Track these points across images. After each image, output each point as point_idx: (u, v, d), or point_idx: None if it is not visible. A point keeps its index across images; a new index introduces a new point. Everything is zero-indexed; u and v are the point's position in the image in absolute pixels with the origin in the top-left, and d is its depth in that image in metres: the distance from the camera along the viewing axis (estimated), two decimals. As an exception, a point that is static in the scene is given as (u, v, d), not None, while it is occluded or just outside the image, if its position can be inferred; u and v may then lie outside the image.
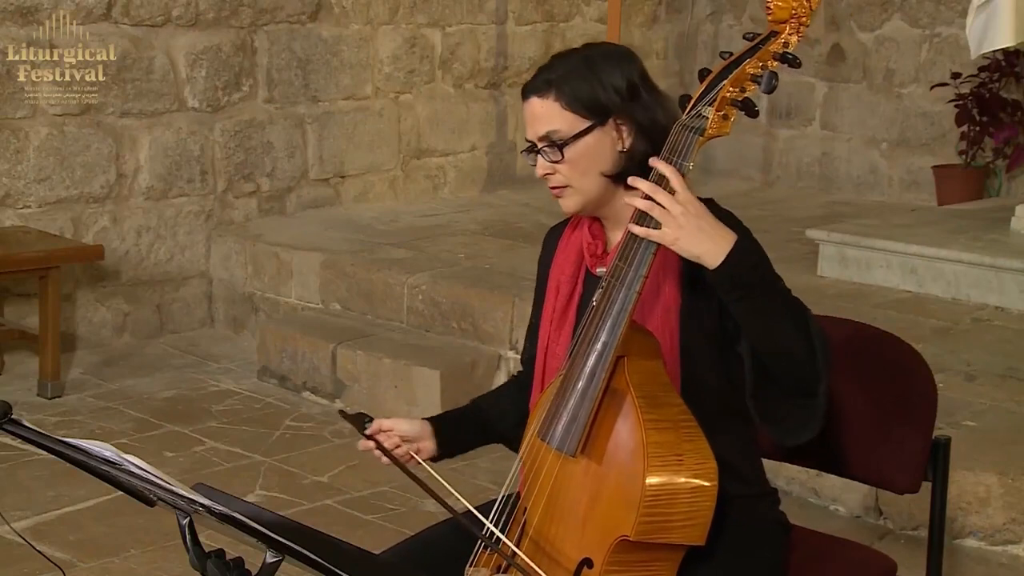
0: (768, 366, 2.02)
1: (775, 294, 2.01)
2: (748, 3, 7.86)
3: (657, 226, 1.96)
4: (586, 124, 2.16)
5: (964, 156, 6.76)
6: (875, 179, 7.35)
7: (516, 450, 2.35)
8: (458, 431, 2.39)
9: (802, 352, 1.99)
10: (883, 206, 6.91)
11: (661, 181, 1.99)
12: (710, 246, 1.95)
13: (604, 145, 2.17)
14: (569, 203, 2.22)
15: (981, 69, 6.57)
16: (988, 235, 5.51)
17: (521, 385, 2.42)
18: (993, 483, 3.66)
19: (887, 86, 7.27)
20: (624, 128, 2.17)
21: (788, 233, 5.94)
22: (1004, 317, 5.03)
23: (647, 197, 1.97)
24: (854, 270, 5.50)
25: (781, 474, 3.76)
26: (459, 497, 2.12)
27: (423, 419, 2.35)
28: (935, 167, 6.89)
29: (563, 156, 2.16)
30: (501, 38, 7.12)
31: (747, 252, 1.97)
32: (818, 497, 3.99)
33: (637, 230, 1.97)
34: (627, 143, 2.17)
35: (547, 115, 2.17)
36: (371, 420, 2.28)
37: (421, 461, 2.28)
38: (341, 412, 2.33)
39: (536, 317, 2.40)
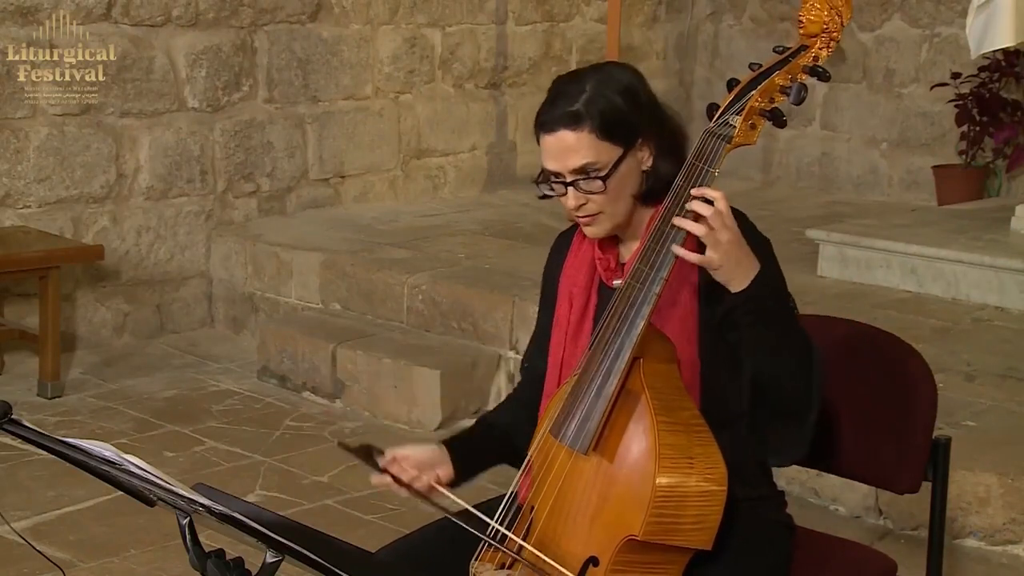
0: (764, 386, 2.07)
1: (784, 322, 2.06)
2: (748, 3, 7.85)
3: (702, 249, 1.98)
4: (619, 152, 2.13)
5: (964, 156, 6.76)
6: (875, 179, 7.34)
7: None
8: (474, 452, 2.32)
9: (800, 379, 2.06)
10: (883, 206, 6.91)
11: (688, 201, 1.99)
12: (741, 272, 2.00)
13: (633, 168, 2.17)
14: (599, 229, 2.19)
15: (981, 69, 6.57)
16: (988, 235, 5.52)
17: (522, 401, 2.39)
18: (993, 483, 3.66)
19: (887, 86, 7.27)
20: (646, 147, 2.17)
21: (788, 233, 5.93)
22: (1004, 317, 5.03)
23: (695, 216, 1.97)
24: (854, 270, 5.50)
25: (781, 474, 3.73)
26: (476, 513, 2.07)
27: (436, 444, 2.27)
28: (935, 167, 6.89)
29: (606, 187, 2.13)
30: (501, 38, 7.12)
31: (768, 281, 2.03)
32: (818, 497, 3.99)
33: (683, 253, 1.97)
34: (650, 162, 2.17)
35: (582, 147, 2.12)
36: (380, 451, 2.19)
37: (445, 491, 2.19)
38: (342, 445, 2.19)
39: (542, 324, 2.38)
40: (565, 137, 2.13)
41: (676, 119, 2.21)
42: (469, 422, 4.86)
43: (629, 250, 2.24)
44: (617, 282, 2.20)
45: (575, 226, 2.35)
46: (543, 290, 2.41)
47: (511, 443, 2.34)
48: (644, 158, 2.17)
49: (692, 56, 8.06)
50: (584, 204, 2.16)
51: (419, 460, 2.21)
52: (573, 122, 2.12)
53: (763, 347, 2.04)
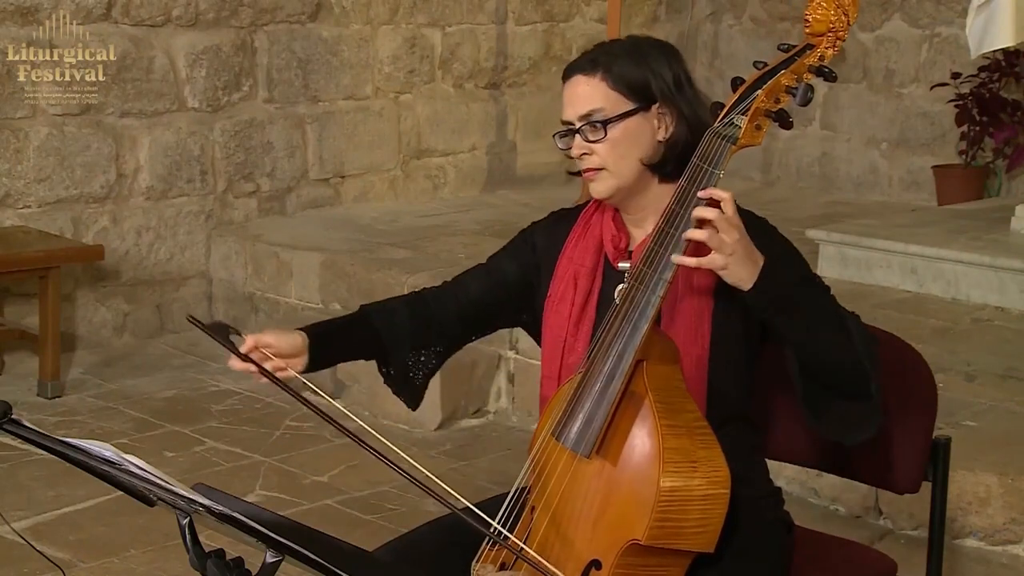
0: (815, 372, 2.05)
1: (811, 305, 2.05)
2: (748, 3, 7.85)
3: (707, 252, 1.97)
4: (630, 106, 2.16)
5: (964, 156, 6.76)
6: (875, 179, 7.34)
7: (386, 373, 2.39)
8: (334, 347, 2.32)
9: (846, 355, 2.04)
10: (883, 206, 6.91)
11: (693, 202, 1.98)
12: (748, 272, 1.99)
13: (645, 131, 2.17)
14: (601, 187, 2.20)
15: (981, 69, 6.57)
16: (988, 235, 5.52)
17: (414, 309, 2.38)
18: (993, 483, 3.66)
19: (887, 86, 7.26)
20: (666, 118, 2.18)
21: (788, 233, 5.85)
22: (1004, 317, 5.03)
23: (700, 224, 1.95)
24: (854, 270, 5.51)
25: (781, 474, 3.76)
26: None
27: (298, 330, 2.26)
28: (935, 167, 6.89)
29: (606, 134, 2.15)
30: (501, 38, 7.12)
31: (775, 272, 2.01)
32: (818, 497, 3.99)
33: (683, 260, 1.96)
34: (668, 133, 2.17)
35: (592, 94, 2.16)
36: (236, 331, 2.18)
37: (297, 375, 2.22)
38: (192, 320, 2.17)
39: (499, 267, 2.38)
40: (578, 82, 2.18)
41: (706, 104, 2.19)
42: (470, 422, 4.90)
43: (643, 233, 2.22)
44: (623, 264, 2.21)
45: (578, 207, 2.36)
46: (517, 246, 2.40)
47: (379, 345, 2.36)
48: (661, 127, 2.18)
49: (692, 56, 8.05)
50: (588, 155, 2.18)
51: (282, 349, 2.22)
52: (588, 68, 2.18)
53: (796, 335, 2.03)
